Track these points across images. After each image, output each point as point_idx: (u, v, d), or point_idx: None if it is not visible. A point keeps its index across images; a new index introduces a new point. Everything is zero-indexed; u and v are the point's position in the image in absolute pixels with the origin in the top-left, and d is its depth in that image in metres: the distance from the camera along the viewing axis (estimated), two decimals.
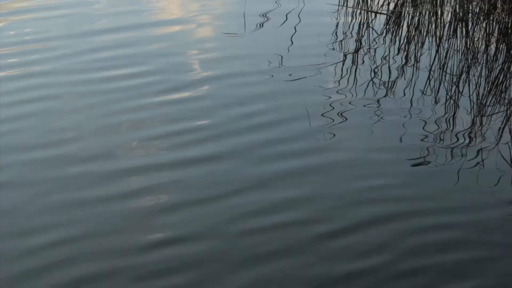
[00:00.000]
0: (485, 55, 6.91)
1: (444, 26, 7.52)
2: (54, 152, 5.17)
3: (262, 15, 7.79)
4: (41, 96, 6.06)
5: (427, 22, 7.64)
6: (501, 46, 7.14)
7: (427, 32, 7.44)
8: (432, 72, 6.46)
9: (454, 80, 6.36)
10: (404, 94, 6.02)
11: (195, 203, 4.56)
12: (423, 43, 7.15)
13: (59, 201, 4.59)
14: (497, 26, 7.52)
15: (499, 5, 7.61)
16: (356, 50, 6.96)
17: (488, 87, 6.29)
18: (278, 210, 4.51)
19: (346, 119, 5.63)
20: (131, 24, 7.74)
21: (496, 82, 6.40)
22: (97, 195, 4.65)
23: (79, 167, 4.97)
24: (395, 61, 6.68)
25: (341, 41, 7.16)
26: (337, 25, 7.51)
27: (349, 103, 5.86)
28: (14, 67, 6.65)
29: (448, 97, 6.03)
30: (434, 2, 8.05)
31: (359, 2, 8.12)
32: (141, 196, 4.66)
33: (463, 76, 6.46)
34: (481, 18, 7.66)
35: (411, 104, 5.87)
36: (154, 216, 4.45)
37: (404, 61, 6.73)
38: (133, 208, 4.53)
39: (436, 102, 5.91)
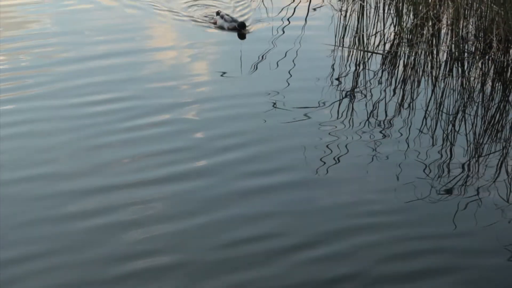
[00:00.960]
0: (481, 94, 7.00)
1: (440, 65, 7.62)
2: (37, 171, 5.40)
3: (259, 55, 7.87)
4: (25, 119, 6.28)
5: (423, 62, 7.74)
6: (497, 85, 7.23)
7: (423, 71, 7.53)
8: (428, 112, 6.53)
9: (451, 119, 6.43)
10: (401, 134, 6.09)
11: (169, 219, 4.83)
12: (419, 83, 7.24)
13: (42, 217, 4.83)
14: (493, 65, 7.62)
15: (495, 45, 7.72)
16: (352, 90, 7.04)
17: (484, 126, 6.36)
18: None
19: (342, 159, 5.68)
20: (124, 50, 7.86)
21: (492, 121, 6.48)
22: (74, 212, 4.89)
23: (58, 185, 5.21)
24: (392, 101, 6.76)
25: (337, 81, 7.24)
26: (333, 65, 7.60)
27: (345, 143, 5.92)
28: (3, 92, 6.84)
29: (444, 136, 6.10)
30: (430, 41, 8.15)
31: (355, 42, 8.22)
32: (119, 212, 4.90)
33: (460, 115, 6.54)
34: (477, 57, 7.76)
35: (408, 143, 5.93)
36: (129, 231, 4.69)
37: (400, 100, 6.81)
38: (112, 224, 4.78)
39: (432, 141, 5.98)
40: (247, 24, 8.71)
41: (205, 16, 9.02)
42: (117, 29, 8.70)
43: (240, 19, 8.79)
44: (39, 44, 8.18)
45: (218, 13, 8.75)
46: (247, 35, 8.54)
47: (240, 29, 8.44)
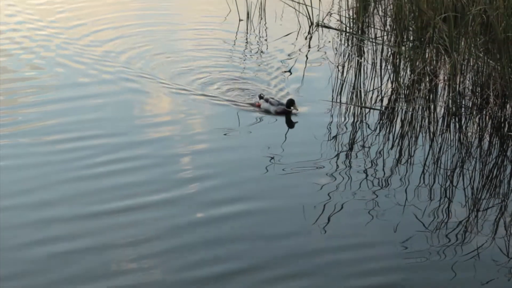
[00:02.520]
0: (478, 149, 7.11)
1: (438, 121, 7.75)
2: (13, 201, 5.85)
3: (256, 116, 7.98)
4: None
5: (420, 117, 7.87)
6: (495, 140, 7.35)
7: (421, 127, 7.65)
8: (426, 167, 6.63)
9: (449, 174, 6.53)
10: (399, 189, 6.18)
11: (136, 244, 5.24)
12: (416, 138, 7.36)
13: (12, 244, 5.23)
14: (490, 120, 7.75)
15: (492, 100, 7.86)
16: (350, 146, 7.15)
17: (482, 181, 6.46)
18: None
19: (340, 213, 5.76)
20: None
21: (490, 176, 6.58)
22: (40, 238, 5.30)
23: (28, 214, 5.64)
24: (389, 156, 6.87)
25: (335, 137, 7.35)
26: (330, 121, 7.72)
27: (343, 197, 6.01)
28: None
29: (442, 191, 6.19)
30: (427, 97, 8.30)
31: (352, 98, 8.36)
32: (86, 238, 5.32)
33: (457, 170, 6.64)
34: (474, 112, 7.90)
35: (406, 198, 6.02)
36: (97, 255, 5.10)
37: (398, 156, 6.91)
38: (80, 249, 5.20)
39: (431, 196, 6.06)
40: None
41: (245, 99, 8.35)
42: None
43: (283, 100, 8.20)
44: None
45: (261, 97, 8.09)
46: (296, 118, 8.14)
47: (289, 107, 7.76)
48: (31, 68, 9.05)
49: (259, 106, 7.98)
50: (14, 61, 9.24)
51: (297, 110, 7.81)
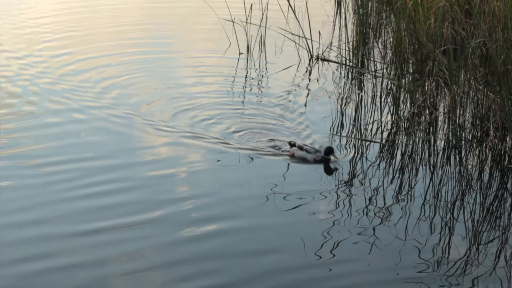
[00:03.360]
0: (479, 182, 7.15)
1: (438, 153, 7.80)
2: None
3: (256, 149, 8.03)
4: None
5: (420, 150, 7.92)
6: (495, 172, 7.39)
7: (421, 159, 7.70)
8: (426, 200, 6.67)
9: (449, 207, 6.57)
10: (399, 222, 6.21)
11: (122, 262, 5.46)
12: (417, 171, 7.40)
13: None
14: (490, 153, 7.80)
15: (492, 132, 7.91)
16: (351, 179, 7.19)
17: (483, 214, 6.49)
18: None
19: (340, 246, 5.78)
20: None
21: (490, 208, 6.61)
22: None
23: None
24: (390, 189, 6.91)
25: (336, 169, 7.39)
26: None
27: (344, 230, 6.03)
28: None
29: (443, 224, 6.22)
30: (427, 130, 8.36)
31: (352, 131, 8.41)
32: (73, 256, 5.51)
33: (458, 203, 6.68)
34: (474, 145, 7.94)
35: (406, 232, 6.04)
36: (85, 271, 5.37)
37: (398, 189, 6.95)
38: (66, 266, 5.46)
39: (431, 230, 6.09)
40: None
41: (273, 147, 7.90)
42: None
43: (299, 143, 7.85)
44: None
45: (293, 145, 7.69)
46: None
47: (328, 154, 7.42)
48: (11, 96, 9.20)
49: (293, 155, 7.59)
50: None
51: (337, 158, 7.50)
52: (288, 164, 7.51)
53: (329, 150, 7.52)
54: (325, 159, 7.53)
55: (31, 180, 6.90)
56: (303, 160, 7.57)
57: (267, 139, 8.10)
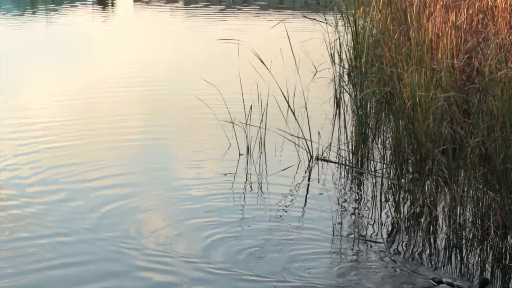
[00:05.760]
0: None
1: (439, 253, 7.90)
2: None
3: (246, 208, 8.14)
4: None
5: (421, 249, 8.01)
6: (496, 272, 7.49)
7: (422, 259, 7.79)
8: None
9: None
10: None
11: None
12: (418, 270, 7.48)
13: None
14: (491, 251, 7.90)
15: (492, 231, 8.03)
16: (351, 279, 7.28)
17: None
18: None
19: None
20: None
21: None
22: None
23: None
24: None
25: (337, 270, 7.49)
26: (331, 253, 7.87)
27: None
28: None
29: None
30: (427, 229, 8.48)
31: (352, 231, 8.54)
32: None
33: None
34: (475, 244, 8.05)
35: None
36: None
37: None
38: None
39: None
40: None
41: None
42: None
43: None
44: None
45: (439, 281, 6.99)
46: None
47: (484, 287, 6.72)
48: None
49: None
50: None
51: None
52: (291, 258, 7.60)
53: (484, 282, 6.78)
54: None
55: None
56: None
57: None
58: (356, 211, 9.12)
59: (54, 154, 11.34)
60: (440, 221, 8.64)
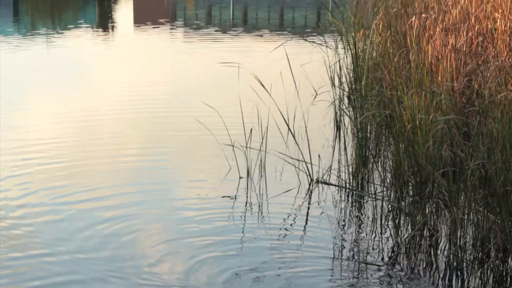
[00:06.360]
0: None
1: (440, 275, 7.92)
2: None
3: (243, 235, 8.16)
4: None
5: (422, 272, 8.03)
6: None
7: (422, 282, 7.80)
8: None
9: None
10: None
11: None
12: None
13: None
14: (492, 274, 7.93)
15: (493, 254, 8.06)
16: None
17: None
18: None
19: None
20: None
21: None
22: None
23: None
24: None
25: None
26: (331, 277, 7.88)
27: None
28: None
29: None
30: (428, 252, 8.50)
31: (353, 254, 8.55)
32: None
33: None
34: (476, 266, 8.07)
35: None
36: None
37: None
38: None
39: None
40: None
41: None
42: None
43: None
44: None
45: None
46: None
47: None
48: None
49: None
50: None
51: None
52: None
53: None
54: None
55: None
56: None
57: None
58: (357, 233, 9.15)
59: (51, 175, 11.38)
60: (441, 243, 8.67)
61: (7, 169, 11.57)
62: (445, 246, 8.59)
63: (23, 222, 9.48)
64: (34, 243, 8.81)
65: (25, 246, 8.74)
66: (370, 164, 11.44)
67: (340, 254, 8.54)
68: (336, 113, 14.02)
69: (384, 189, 10.40)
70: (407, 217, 9.22)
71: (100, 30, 30.89)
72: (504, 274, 7.93)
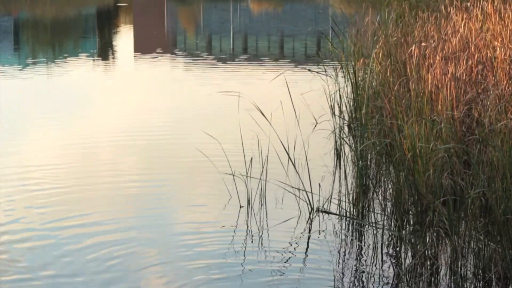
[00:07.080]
0: None
1: None
2: None
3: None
4: None
5: None
6: None
7: None
8: None
9: None
10: None
11: None
12: None
13: None
14: None
15: (494, 282, 8.08)
16: None
17: None
18: None
19: None
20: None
21: None
22: None
23: None
24: None
25: None
26: None
27: None
28: None
29: None
30: (429, 281, 8.51)
31: (354, 284, 8.56)
32: None
33: None
34: None
35: None
36: None
37: None
38: None
39: None
40: None
41: None
42: None
43: None
44: None
45: None
46: None
47: None
48: None
49: None
50: None
51: None
52: None
53: None
54: None
55: None
56: None
57: None
58: (357, 262, 9.16)
59: (48, 200, 11.41)
60: (442, 272, 8.68)
61: (4, 195, 11.60)
62: (446, 275, 8.60)
63: (19, 246, 9.49)
64: (23, 267, 8.82)
65: (19, 270, 8.77)
66: (371, 193, 11.46)
67: (341, 284, 8.55)
68: (336, 141, 14.07)
69: (385, 218, 10.42)
70: (408, 246, 9.23)
71: (101, 59, 31.03)
72: None
